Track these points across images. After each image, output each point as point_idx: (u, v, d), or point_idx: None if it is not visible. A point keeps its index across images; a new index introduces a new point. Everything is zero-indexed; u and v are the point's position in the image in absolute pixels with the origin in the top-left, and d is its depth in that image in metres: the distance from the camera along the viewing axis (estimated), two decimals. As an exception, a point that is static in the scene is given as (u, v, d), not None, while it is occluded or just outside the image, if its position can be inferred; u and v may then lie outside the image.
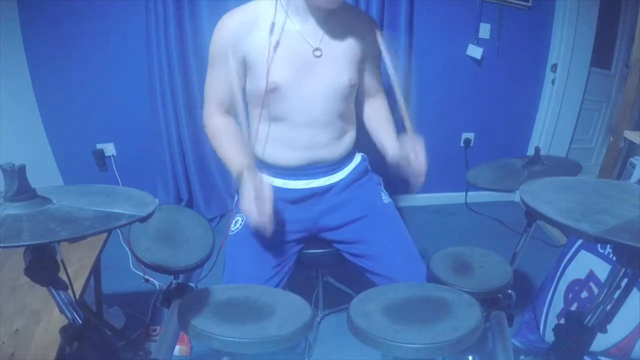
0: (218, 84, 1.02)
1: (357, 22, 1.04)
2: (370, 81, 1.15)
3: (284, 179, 1.09)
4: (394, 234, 1.09)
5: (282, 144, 1.05)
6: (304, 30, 0.97)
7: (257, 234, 1.05)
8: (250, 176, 0.89)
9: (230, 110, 1.06)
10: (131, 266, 1.89)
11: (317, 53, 0.98)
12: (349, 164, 1.14)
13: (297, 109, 1.00)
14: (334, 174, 1.11)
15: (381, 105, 1.19)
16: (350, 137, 1.13)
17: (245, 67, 0.99)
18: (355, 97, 1.15)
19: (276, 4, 0.95)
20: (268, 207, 0.87)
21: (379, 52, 1.12)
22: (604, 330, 0.65)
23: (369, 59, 1.09)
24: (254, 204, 0.87)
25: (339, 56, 1.00)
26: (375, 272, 1.07)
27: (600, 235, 0.47)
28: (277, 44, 0.95)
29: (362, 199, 1.13)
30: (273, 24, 0.94)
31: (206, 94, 1.06)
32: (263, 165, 1.09)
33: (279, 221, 1.08)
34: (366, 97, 1.19)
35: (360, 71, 1.08)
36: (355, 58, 1.04)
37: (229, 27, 0.96)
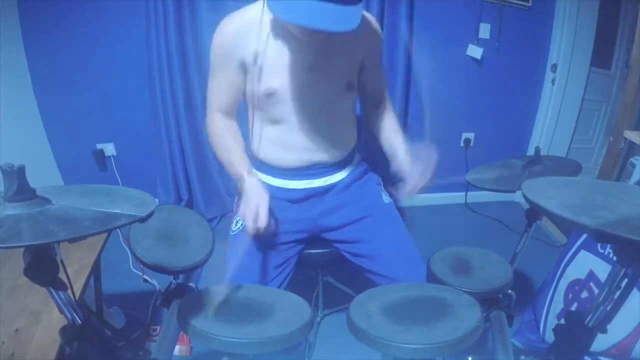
0: (219, 89, 1.03)
1: (362, 28, 1.02)
2: (373, 86, 1.14)
3: (284, 179, 1.09)
4: (394, 234, 1.10)
5: (281, 145, 1.05)
6: (300, 38, 0.95)
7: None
8: (249, 182, 0.93)
9: (231, 114, 1.07)
10: (131, 266, 1.89)
11: (315, 64, 0.97)
12: (349, 164, 1.14)
13: (295, 113, 1.00)
14: (334, 173, 1.11)
15: (388, 116, 1.14)
16: (350, 138, 1.13)
17: (245, 71, 0.99)
18: (360, 103, 1.15)
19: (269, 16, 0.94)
20: (263, 214, 0.89)
21: (380, 57, 1.12)
22: (604, 330, 0.65)
23: (370, 64, 1.08)
24: (251, 210, 0.89)
25: (337, 62, 0.99)
26: (375, 272, 1.07)
27: (600, 228, 0.47)
28: (274, 49, 0.95)
29: (363, 199, 1.13)
30: (268, 31, 0.95)
31: (209, 99, 1.06)
32: (263, 165, 1.09)
33: (280, 221, 1.08)
34: (371, 103, 1.16)
35: (361, 75, 1.08)
36: (354, 63, 1.04)
37: (227, 32, 0.97)
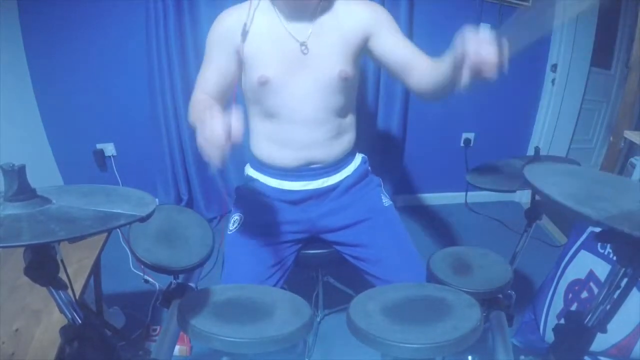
0: (209, 75, 1.04)
1: (352, 8, 1.00)
2: (400, 51, 1.02)
3: (280, 180, 1.09)
4: (394, 238, 1.09)
5: (277, 143, 1.05)
6: (291, 26, 0.98)
7: (256, 233, 1.05)
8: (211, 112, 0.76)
9: (217, 102, 1.03)
10: (131, 266, 1.89)
11: (304, 49, 0.98)
12: (347, 166, 1.14)
13: (290, 105, 1.01)
14: (331, 175, 1.10)
15: (430, 62, 1.03)
16: (348, 137, 1.12)
17: (239, 62, 1.01)
18: (401, 74, 1.03)
19: (259, 2, 0.98)
20: (218, 134, 0.71)
21: (393, 25, 1.03)
22: (604, 330, 0.65)
23: (383, 34, 1.01)
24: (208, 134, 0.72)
25: (329, 50, 0.99)
26: (375, 276, 1.07)
27: (603, 221, 0.46)
28: (266, 37, 0.97)
29: (363, 202, 1.12)
30: (253, 20, 0.97)
31: (197, 83, 1.06)
32: (260, 164, 1.10)
33: (277, 222, 1.08)
34: (409, 68, 1.03)
35: (381, 46, 1.01)
36: (349, 49, 1.01)
37: (224, 22, 1.00)
